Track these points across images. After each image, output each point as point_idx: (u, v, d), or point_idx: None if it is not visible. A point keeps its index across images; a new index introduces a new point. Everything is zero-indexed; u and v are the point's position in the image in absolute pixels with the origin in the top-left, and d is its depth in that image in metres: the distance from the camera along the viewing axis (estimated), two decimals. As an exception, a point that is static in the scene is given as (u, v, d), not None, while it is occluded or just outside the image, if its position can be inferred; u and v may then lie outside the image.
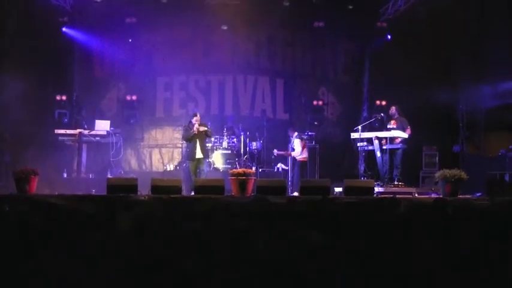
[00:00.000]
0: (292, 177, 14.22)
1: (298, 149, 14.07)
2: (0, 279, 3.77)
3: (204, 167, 12.87)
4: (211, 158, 14.10)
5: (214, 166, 14.26)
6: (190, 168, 12.71)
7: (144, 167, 16.16)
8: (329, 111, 16.44)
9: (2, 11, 12.52)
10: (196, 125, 12.43)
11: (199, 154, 12.57)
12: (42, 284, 3.98)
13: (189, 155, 12.71)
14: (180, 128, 15.34)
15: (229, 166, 14.43)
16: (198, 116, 12.71)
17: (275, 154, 14.89)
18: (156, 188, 11.08)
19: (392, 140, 12.48)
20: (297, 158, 14.15)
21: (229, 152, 14.98)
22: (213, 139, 14.03)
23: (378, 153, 12.51)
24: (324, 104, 16.05)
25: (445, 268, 4.00)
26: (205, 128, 12.69)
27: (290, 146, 14.49)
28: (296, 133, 14.40)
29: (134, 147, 15.79)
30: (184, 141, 13.98)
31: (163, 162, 16.58)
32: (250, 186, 11.14)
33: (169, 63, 16.27)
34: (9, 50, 12.74)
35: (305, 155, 14.19)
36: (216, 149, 14.48)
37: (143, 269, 4.34)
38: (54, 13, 14.65)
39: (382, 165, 12.51)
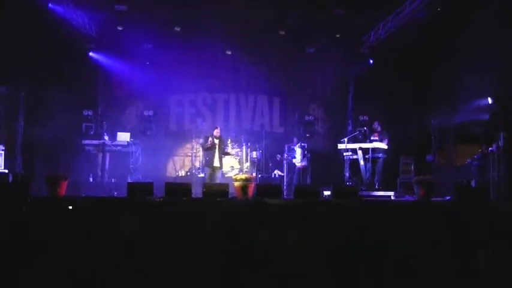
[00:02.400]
0: (288, 182, 14.22)
1: (299, 157, 14.08)
2: (37, 264, 3.82)
3: (219, 175, 12.94)
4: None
5: (223, 172, 14.23)
6: (207, 174, 12.80)
7: (159, 172, 16.18)
8: (319, 125, 16.51)
9: (39, 40, 12.60)
10: (210, 139, 12.58)
11: (216, 163, 12.67)
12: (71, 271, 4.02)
13: (208, 163, 12.78)
14: (192, 139, 15.60)
15: (233, 172, 14.53)
16: (218, 128, 12.96)
17: (278, 158, 14.88)
18: (169, 191, 11.09)
19: (374, 150, 12.55)
20: (296, 164, 14.16)
21: (233, 160, 15.08)
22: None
23: (361, 162, 12.56)
24: (314, 119, 16.11)
25: (418, 257, 4.06)
26: (227, 150, 13.33)
27: (291, 154, 14.45)
28: (299, 143, 14.39)
29: (150, 156, 15.78)
30: (202, 150, 13.82)
31: (175, 169, 16.62)
32: (251, 190, 11.16)
33: (180, 83, 16.33)
34: (43, 73, 12.80)
35: (304, 162, 14.17)
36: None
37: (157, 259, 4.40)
38: (82, 40, 14.78)
39: (365, 172, 12.56)
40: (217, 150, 12.68)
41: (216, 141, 12.66)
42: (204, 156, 13.20)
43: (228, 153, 13.71)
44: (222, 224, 6.03)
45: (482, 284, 3.85)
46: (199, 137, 14.90)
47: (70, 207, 9.93)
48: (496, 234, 5.21)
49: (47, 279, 3.69)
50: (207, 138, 12.77)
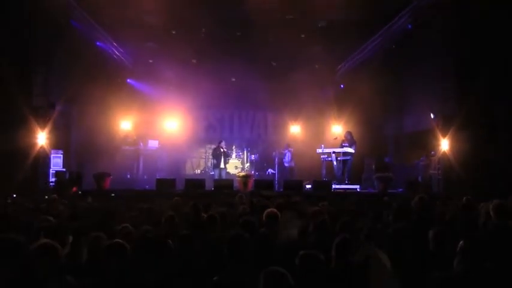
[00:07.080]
0: (279, 178, 14.22)
1: (287, 159, 14.17)
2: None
3: (224, 174, 13.65)
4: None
5: (227, 171, 14.38)
6: (216, 173, 13.72)
7: (180, 171, 16.25)
8: (303, 134, 16.50)
9: (88, 69, 12.68)
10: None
11: (222, 165, 13.71)
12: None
13: (216, 166, 13.87)
14: (205, 145, 15.97)
15: (237, 170, 14.66)
16: (223, 142, 14.09)
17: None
18: (188, 185, 11.29)
19: (344, 153, 12.64)
20: (285, 164, 14.23)
21: (237, 161, 15.24)
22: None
23: (335, 163, 12.70)
24: (299, 129, 16.18)
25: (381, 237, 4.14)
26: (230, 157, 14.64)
27: (281, 156, 14.52)
28: (287, 148, 14.46)
29: (174, 158, 15.88)
30: (211, 156, 14.51)
31: (192, 168, 16.76)
32: (250, 184, 11.34)
33: (196, 102, 16.36)
34: (92, 94, 12.88)
35: (291, 163, 14.23)
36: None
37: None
38: (122, 69, 15.16)
39: (337, 170, 12.69)
40: (222, 156, 13.72)
41: (222, 150, 13.79)
42: (213, 160, 14.14)
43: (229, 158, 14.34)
44: (228, 207, 6.19)
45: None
46: (211, 144, 15.17)
47: (113, 194, 10.14)
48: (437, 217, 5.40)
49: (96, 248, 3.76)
50: (217, 148, 13.92)
